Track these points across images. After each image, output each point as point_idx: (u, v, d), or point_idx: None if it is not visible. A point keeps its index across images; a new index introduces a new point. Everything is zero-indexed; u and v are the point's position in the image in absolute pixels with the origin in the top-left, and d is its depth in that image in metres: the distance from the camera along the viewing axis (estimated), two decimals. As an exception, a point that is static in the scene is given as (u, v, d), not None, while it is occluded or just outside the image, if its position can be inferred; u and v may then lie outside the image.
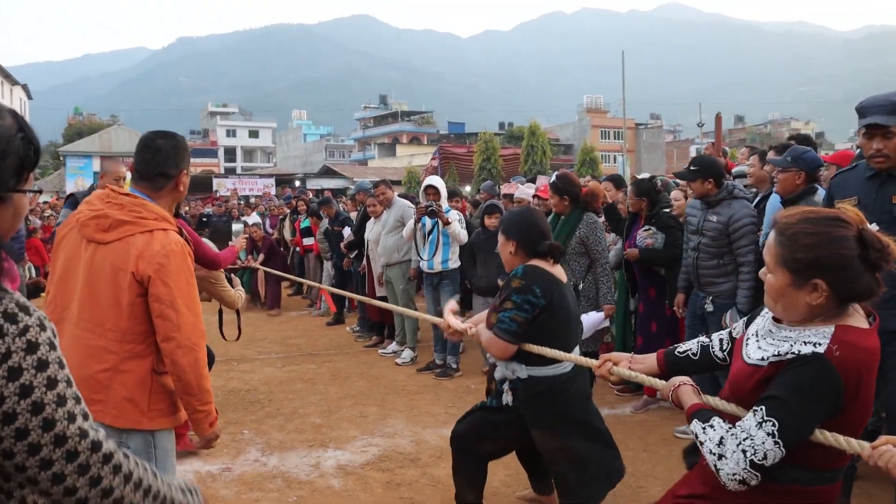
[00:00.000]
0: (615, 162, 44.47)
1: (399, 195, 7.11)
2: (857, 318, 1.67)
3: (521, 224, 2.87)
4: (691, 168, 4.21)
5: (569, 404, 2.76)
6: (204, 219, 14.11)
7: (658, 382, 2.07)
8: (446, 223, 5.89)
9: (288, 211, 10.95)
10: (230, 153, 74.46)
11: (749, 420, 1.63)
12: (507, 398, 2.81)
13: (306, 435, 4.52)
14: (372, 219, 6.97)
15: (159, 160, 2.22)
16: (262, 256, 9.55)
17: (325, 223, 8.76)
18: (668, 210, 4.95)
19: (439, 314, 5.84)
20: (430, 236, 6.06)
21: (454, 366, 6.07)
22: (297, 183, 31.46)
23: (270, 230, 11.31)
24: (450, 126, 71.67)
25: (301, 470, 3.94)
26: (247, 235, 7.27)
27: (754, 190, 4.66)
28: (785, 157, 3.74)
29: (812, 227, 1.64)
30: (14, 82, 44.02)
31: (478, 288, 5.93)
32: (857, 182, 2.91)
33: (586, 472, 2.75)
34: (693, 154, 28.15)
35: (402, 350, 6.59)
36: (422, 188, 6.49)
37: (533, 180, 8.03)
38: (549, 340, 2.66)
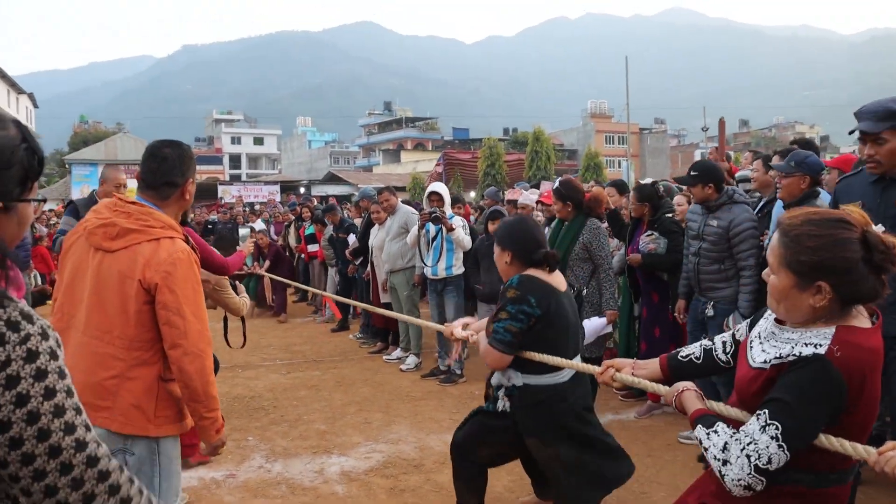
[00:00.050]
0: (619, 167, 44.41)
1: (402, 201, 7.13)
2: (860, 319, 1.66)
3: (515, 234, 2.86)
4: (691, 173, 4.21)
5: (563, 415, 2.74)
6: (209, 226, 14.12)
7: (661, 388, 2.05)
8: (450, 229, 5.90)
9: (293, 218, 10.97)
10: (235, 160, 74.46)
11: (752, 424, 1.62)
12: (503, 404, 2.81)
13: (310, 441, 4.53)
14: (376, 225, 6.99)
15: (165, 169, 2.24)
16: (267, 263, 9.58)
17: (329, 230, 8.78)
18: (670, 215, 4.95)
19: (444, 320, 5.89)
20: (434, 242, 6.07)
21: (458, 372, 6.07)
22: (302, 190, 31.51)
23: (275, 237, 11.34)
24: (454, 132, 71.80)
25: (305, 476, 3.95)
26: (254, 240, 7.28)
27: (757, 195, 4.65)
28: (788, 161, 3.73)
29: (816, 228, 1.63)
30: (20, 91, 44.26)
31: (481, 295, 5.94)
32: (860, 186, 2.92)
33: (581, 478, 2.75)
34: (698, 158, 28.08)
35: (407, 356, 6.60)
36: (425, 194, 6.51)
37: (537, 186, 8.03)
38: (546, 350, 2.65)
